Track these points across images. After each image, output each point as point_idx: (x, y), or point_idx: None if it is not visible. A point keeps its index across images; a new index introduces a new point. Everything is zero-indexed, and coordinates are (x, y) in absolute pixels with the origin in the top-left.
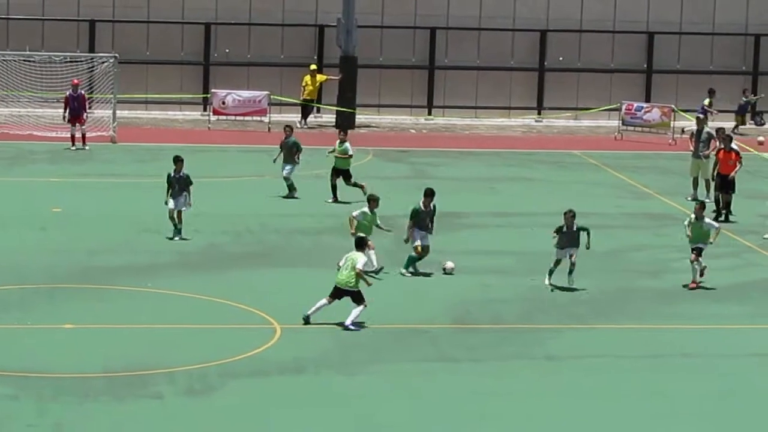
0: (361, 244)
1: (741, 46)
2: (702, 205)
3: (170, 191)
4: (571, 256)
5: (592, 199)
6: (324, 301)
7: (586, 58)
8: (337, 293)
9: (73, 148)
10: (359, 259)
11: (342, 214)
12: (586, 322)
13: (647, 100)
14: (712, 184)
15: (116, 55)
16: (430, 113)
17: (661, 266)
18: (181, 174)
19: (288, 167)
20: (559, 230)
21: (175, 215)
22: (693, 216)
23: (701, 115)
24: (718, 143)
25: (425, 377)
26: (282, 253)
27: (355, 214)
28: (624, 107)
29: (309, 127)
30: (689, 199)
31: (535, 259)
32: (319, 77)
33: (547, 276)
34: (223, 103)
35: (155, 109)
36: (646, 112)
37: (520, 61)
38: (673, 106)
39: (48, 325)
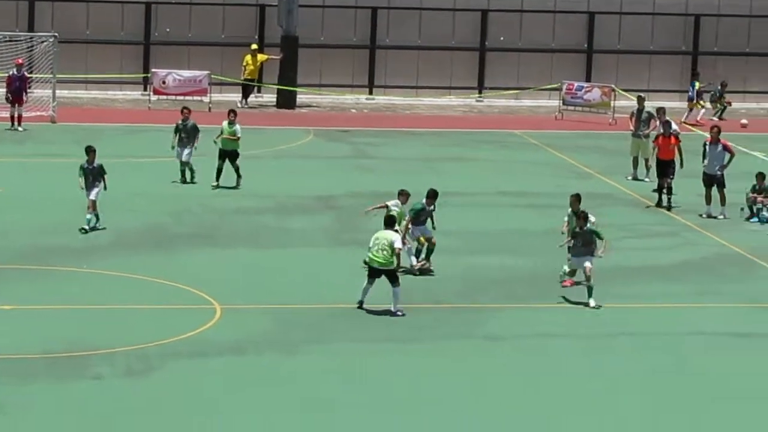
0: (390, 223)
1: (681, 26)
2: (578, 197)
3: (84, 182)
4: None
5: (533, 179)
6: (366, 285)
7: (527, 37)
8: (375, 273)
9: (14, 128)
10: (396, 238)
11: (280, 195)
12: (526, 301)
13: (588, 79)
14: (653, 166)
15: (56, 34)
16: (371, 93)
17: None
18: (95, 165)
19: (187, 151)
20: (574, 234)
21: (90, 204)
22: (570, 210)
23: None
24: (658, 123)
25: (366, 357)
26: (222, 233)
27: (391, 203)
28: (565, 87)
29: (250, 107)
30: (629, 178)
31: (475, 239)
32: (260, 57)
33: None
34: (164, 82)
35: (95, 88)
36: (586, 91)
37: (461, 40)
38: (613, 85)
39: None
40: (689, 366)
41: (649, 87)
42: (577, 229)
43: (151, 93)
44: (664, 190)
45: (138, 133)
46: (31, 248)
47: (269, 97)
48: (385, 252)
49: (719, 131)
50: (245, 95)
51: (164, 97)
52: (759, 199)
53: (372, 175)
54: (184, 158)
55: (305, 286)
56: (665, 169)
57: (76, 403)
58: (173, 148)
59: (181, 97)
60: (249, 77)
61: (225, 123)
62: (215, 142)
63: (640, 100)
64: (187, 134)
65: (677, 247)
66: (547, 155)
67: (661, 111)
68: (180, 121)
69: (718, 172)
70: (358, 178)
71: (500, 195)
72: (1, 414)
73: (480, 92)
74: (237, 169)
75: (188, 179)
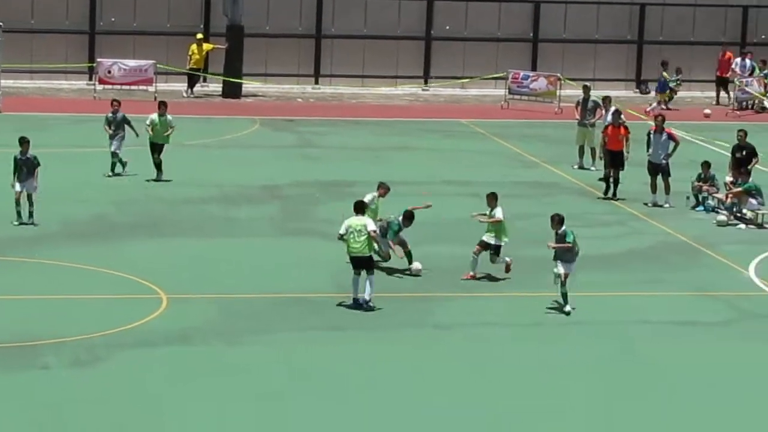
0: (360, 208)
1: (626, 15)
2: (494, 195)
3: (17, 174)
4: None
5: (480, 168)
6: (354, 277)
7: (473, 27)
8: (358, 263)
9: None
10: (369, 221)
11: (226, 184)
12: (474, 290)
13: (533, 69)
14: (598, 155)
15: (0, 23)
16: (317, 82)
17: (549, 235)
18: (28, 156)
19: (116, 143)
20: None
21: (24, 198)
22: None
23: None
24: (604, 112)
25: (312, 346)
26: (168, 223)
27: (367, 198)
28: (510, 76)
29: (196, 97)
30: (575, 167)
31: (423, 228)
32: (206, 46)
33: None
34: (109, 72)
35: (40, 78)
36: (532, 80)
37: (406, 29)
38: (559, 74)
39: None
40: (635, 354)
41: (595, 76)
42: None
43: (97, 83)
44: (611, 180)
45: (83, 122)
46: None
47: (215, 87)
48: (361, 239)
49: (664, 120)
50: (191, 85)
51: (110, 86)
52: (704, 187)
53: (318, 165)
54: (113, 149)
55: (251, 275)
56: (614, 159)
57: (23, 393)
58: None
59: (127, 87)
60: (194, 67)
61: (155, 115)
62: (147, 131)
63: (586, 89)
64: (117, 126)
65: (624, 236)
66: (493, 144)
67: (606, 100)
68: (110, 113)
69: (663, 161)
70: (303, 167)
71: (446, 184)
72: None
73: (426, 81)
74: (160, 164)
75: (117, 171)
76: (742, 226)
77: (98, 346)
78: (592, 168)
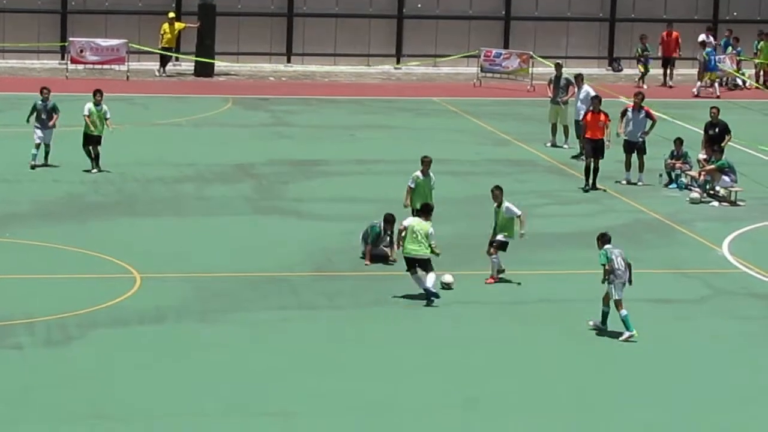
0: (428, 211)
1: None
2: (499, 188)
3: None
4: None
5: (453, 146)
6: (413, 276)
7: (445, 5)
8: (411, 263)
9: None
10: (430, 228)
11: (199, 163)
12: (447, 269)
13: (506, 47)
14: (572, 132)
15: None
16: (289, 61)
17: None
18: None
19: (47, 132)
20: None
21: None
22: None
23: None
24: (576, 90)
25: (285, 325)
26: (141, 202)
27: (410, 182)
28: (483, 54)
29: (168, 76)
30: (548, 145)
31: (394, 207)
32: (178, 25)
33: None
34: (81, 51)
35: (12, 57)
36: (504, 59)
37: (378, 8)
38: (531, 52)
39: None
40: (609, 331)
41: (567, 54)
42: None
43: (69, 62)
44: (591, 170)
45: (56, 102)
46: None
47: (187, 66)
48: (421, 243)
49: (643, 97)
50: (163, 64)
51: (82, 66)
52: (677, 165)
53: (291, 143)
54: (44, 140)
55: (225, 254)
56: (594, 148)
57: None
58: (28, 121)
59: (99, 66)
60: (167, 46)
61: (90, 105)
62: (86, 122)
63: (558, 67)
64: (47, 115)
65: (597, 214)
66: (465, 122)
67: (579, 77)
68: (39, 101)
69: (640, 139)
70: (277, 145)
71: (419, 162)
72: None
73: (398, 60)
74: (97, 156)
75: (43, 161)
76: (716, 203)
77: (71, 325)
78: (565, 146)
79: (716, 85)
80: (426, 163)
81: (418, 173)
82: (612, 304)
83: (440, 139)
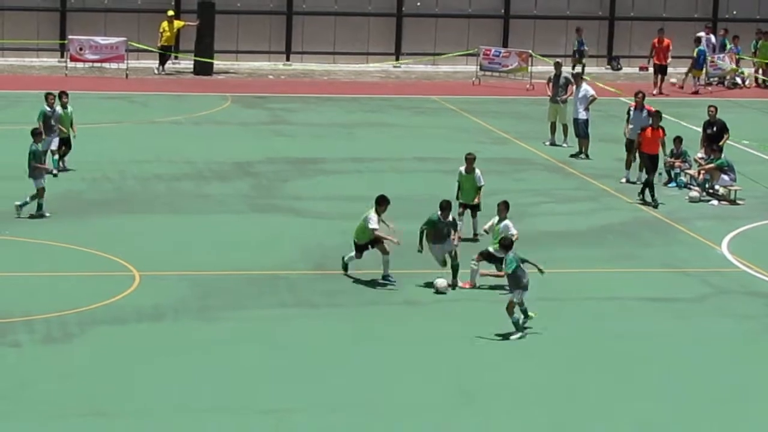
0: (507, 208)
1: None
2: (506, 204)
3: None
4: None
5: (451, 144)
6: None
7: (444, 3)
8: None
9: None
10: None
11: (198, 161)
12: (444, 267)
13: (505, 45)
14: (571, 131)
15: None
16: (288, 59)
17: (520, 210)
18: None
19: (56, 139)
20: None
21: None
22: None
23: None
24: (575, 88)
25: (284, 323)
26: (140, 199)
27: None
28: (482, 52)
29: (167, 74)
30: (547, 143)
31: (395, 205)
32: (177, 23)
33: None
34: (81, 49)
35: (11, 55)
36: (503, 57)
37: (377, 6)
38: (530, 51)
39: None
40: (606, 330)
41: (566, 52)
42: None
43: (68, 60)
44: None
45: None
46: None
47: (186, 64)
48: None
49: (644, 96)
50: (162, 62)
51: (81, 64)
52: (677, 163)
53: (289, 141)
54: (53, 147)
55: (223, 252)
56: (652, 163)
57: None
58: (45, 133)
59: (98, 64)
60: (166, 44)
61: (58, 107)
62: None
63: (557, 65)
64: (56, 121)
65: (596, 212)
66: (464, 121)
67: (578, 76)
68: (47, 108)
69: None
70: (275, 144)
71: (418, 161)
72: None
73: (397, 58)
74: (64, 155)
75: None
76: (715, 202)
77: (70, 323)
78: (564, 144)
79: (697, 80)
80: (469, 160)
81: (462, 169)
82: (513, 309)
83: (438, 137)
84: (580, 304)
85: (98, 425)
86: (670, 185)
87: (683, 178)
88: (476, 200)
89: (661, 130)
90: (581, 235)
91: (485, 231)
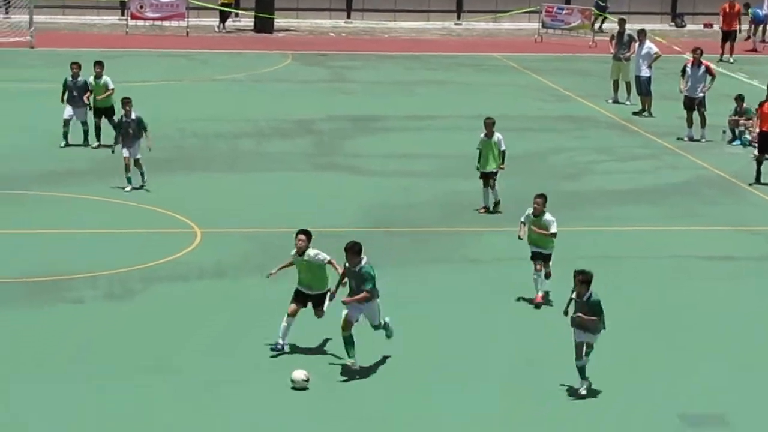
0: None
1: None
2: (543, 198)
3: (124, 139)
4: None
5: (513, 102)
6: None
7: None
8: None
9: None
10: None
11: (258, 119)
12: (503, 225)
13: (567, 2)
14: (633, 88)
15: None
16: (349, 16)
17: (581, 168)
18: (132, 118)
19: (79, 110)
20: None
21: (132, 164)
22: (530, 211)
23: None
24: (638, 45)
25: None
26: (201, 157)
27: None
28: (544, 10)
29: (228, 32)
30: (609, 101)
31: (453, 163)
32: None
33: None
34: (141, 7)
35: (72, 14)
36: (566, 14)
37: None
38: (593, 8)
39: None
40: (662, 290)
41: (630, 9)
42: (575, 297)
43: (129, 18)
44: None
45: (115, 58)
46: (7, 174)
47: (247, 21)
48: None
49: (702, 53)
50: (223, 20)
51: (141, 22)
52: (741, 121)
53: (350, 99)
54: (78, 117)
55: (284, 209)
56: (766, 141)
57: (55, 327)
58: (63, 101)
59: (159, 22)
60: (226, 1)
61: (91, 78)
62: (87, 101)
63: (621, 22)
64: (78, 92)
65: (658, 170)
66: (527, 78)
67: (642, 33)
68: (69, 78)
69: (700, 94)
70: (336, 101)
71: (478, 118)
72: None
73: (458, 16)
74: (116, 126)
75: (83, 141)
76: None
77: (132, 279)
78: (627, 102)
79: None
80: (488, 124)
81: (482, 135)
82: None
83: (500, 95)
84: (638, 262)
85: (161, 381)
86: (734, 143)
87: (748, 137)
88: (502, 166)
89: None
90: (642, 193)
91: (519, 238)
